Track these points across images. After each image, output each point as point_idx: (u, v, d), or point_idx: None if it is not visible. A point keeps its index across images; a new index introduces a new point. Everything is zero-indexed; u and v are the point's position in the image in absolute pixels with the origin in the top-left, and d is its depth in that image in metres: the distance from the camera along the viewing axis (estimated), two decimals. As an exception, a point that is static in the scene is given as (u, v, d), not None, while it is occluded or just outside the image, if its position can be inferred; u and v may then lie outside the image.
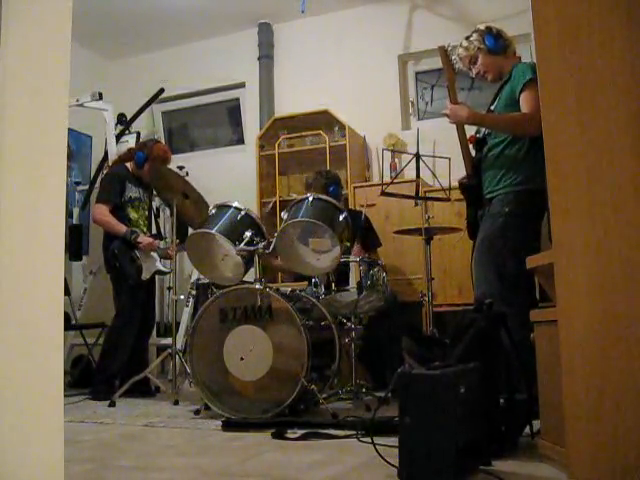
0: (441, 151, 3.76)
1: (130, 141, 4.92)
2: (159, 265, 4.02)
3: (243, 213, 3.14)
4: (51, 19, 1.23)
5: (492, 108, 2.98)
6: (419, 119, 5.23)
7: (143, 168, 3.95)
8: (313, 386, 2.81)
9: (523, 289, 2.67)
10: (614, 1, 1.62)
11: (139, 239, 3.82)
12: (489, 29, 2.98)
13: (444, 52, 3.05)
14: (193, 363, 2.96)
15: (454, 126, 3.02)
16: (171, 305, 3.64)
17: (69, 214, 5.11)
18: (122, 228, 3.82)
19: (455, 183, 3.16)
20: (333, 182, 4.02)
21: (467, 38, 3.00)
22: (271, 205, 5.03)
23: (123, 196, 3.94)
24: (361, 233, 3.87)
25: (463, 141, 3.04)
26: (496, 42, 2.94)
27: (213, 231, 3.07)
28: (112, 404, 3.42)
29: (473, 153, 3.06)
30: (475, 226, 2.94)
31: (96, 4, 4.90)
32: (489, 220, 2.82)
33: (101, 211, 3.86)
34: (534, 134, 2.67)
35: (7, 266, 1.11)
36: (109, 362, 3.82)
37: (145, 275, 3.88)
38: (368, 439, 1.99)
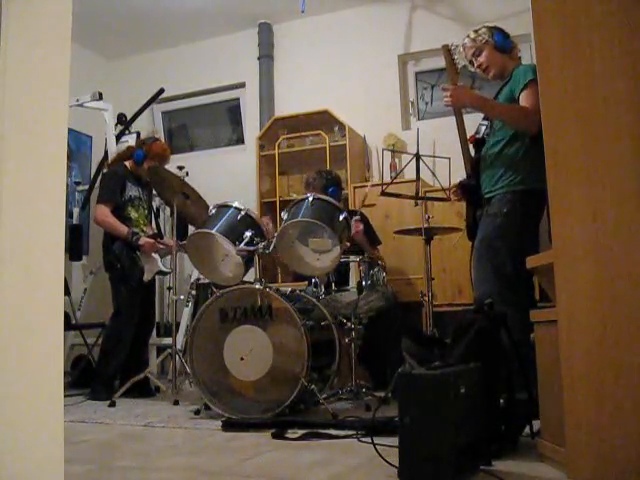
0: (441, 151, 3.77)
1: (130, 141, 4.91)
2: (160, 266, 4.02)
3: (243, 213, 3.14)
4: (51, 19, 1.23)
5: None
6: (419, 119, 5.23)
7: (142, 166, 3.94)
8: (313, 386, 2.81)
9: (522, 289, 2.67)
10: (614, 1, 1.62)
11: (140, 241, 3.82)
12: (498, 28, 2.98)
13: (448, 51, 3.04)
14: (193, 363, 2.96)
15: (454, 126, 3.01)
16: (171, 305, 3.64)
17: (69, 214, 5.11)
18: (124, 230, 3.82)
19: (455, 183, 3.15)
20: (333, 183, 4.04)
21: (476, 30, 3.00)
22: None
23: (123, 195, 3.94)
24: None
25: (463, 139, 3.03)
26: (504, 40, 2.94)
27: (213, 231, 3.07)
28: (112, 404, 3.42)
29: (473, 153, 3.06)
30: (474, 227, 2.94)
31: (96, 4, 4.90)
32: (487, 220, 2.82)
33: (103, 212, 3.85)
34: (531, 129, 2.67)
35: (7, 266, 1.11)
36: (108, 362, 3.82)
37: (147, 276, 3.87)
38: (368, 439, 1.99)
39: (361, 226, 3.86)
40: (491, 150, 2.90)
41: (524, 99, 2.74)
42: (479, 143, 3.00)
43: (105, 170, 4.38)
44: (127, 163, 4.05)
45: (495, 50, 2.95)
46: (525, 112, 2.70)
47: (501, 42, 2.93)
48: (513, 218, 2.74)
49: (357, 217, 3.80)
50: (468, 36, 3.01)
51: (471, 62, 3.04)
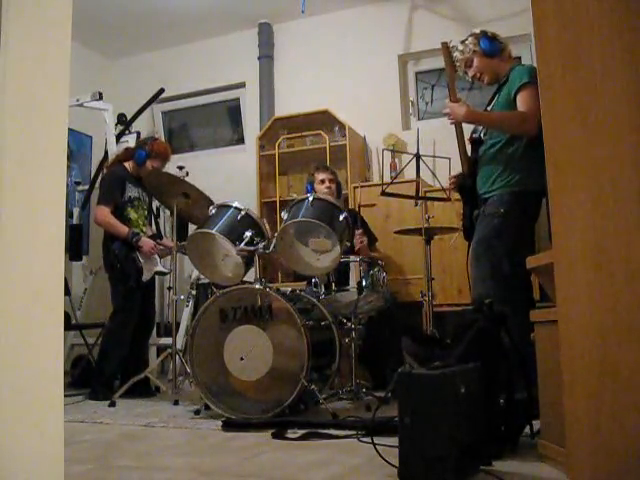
0: (441, 151, 3.76)
1: (130, 141, 4.92)
2: (159, 266, 4.02)
3: (243, 213, 3.14)
4: (51, 19, 1.23)
5: (489, 109, 2.99)
6: (419, 119, 5.23)
7: (145, 166, 3.95)
8: (313, 386, 2.81)
9: (520, 289, 2.68)
10: (614, 0, 1.62)
11: (140, 242, 3.82)
12: (484, 32, 3.00)
13: (446, 48, 3.05)
14: (193, 363, 2.96)
15: (453, 126, 3.02)
16: (171, 305, 3.64)
17: (69, 214, 5.11)
18: (124, 230, 3.82)
19: (453, 175, 3.15)
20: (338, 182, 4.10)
21: (463, 42, 3.02)
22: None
23: (123, 196, 3.94)
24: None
25: (461, 140, 3.05)
26: (491, 45, 2.95)
27: (213, 231, 3.07)
28: (112, 404, 3.42)
29: (470, 153, 3.06)
30: (470, 227, 2.94)
31: (96, 4, 4.90)
32: (485, 221, 2.82)
33: (103, 212, 3.86)
34: (530, 133, 2.68)
35: (7, 266, 1.11)
36: (107, 363, 3.82)
37: (146, 277, 3.88)
38: (368, 439, 1.99)
39: (365, 241, 3.89)
40: (488, 150, 2.90)
41: (520, 102, 2.75)
42: (476, 143, 3.00)
43: (104, 172, 4.38)
44: (127, 164, 4.05)
45: (484, 57, 2.96)
46: (522, 117, 2.72)
47: (488, 47, 2.94)
48: (510, 218, 2.74)
49: (359, 231, 3.83)
50: (457, 48, 3.03)
51: (465, 72, 3.06)
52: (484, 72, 2.98)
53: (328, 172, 4.07)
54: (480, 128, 2.99)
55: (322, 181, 4.06)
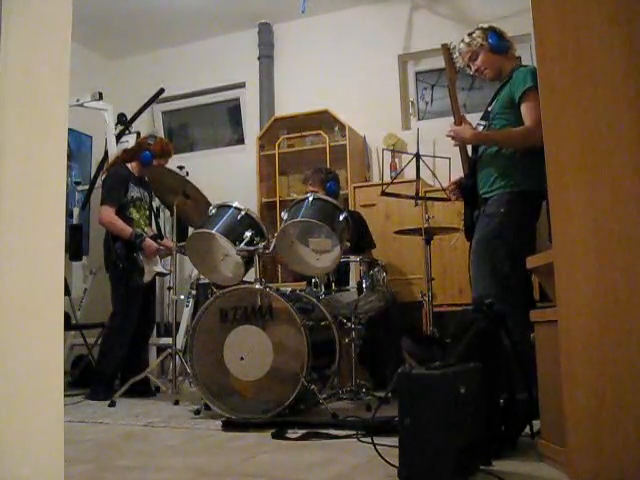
0: (441, 151, 3.76)
1: (130, 141, 4.92)
2: (160, 267, 4.02)
3: (243, 213, 3.14)
4: (51, 19, 1.23)
5: (489, 109, 2.98)
6: (419, 119, 5.22)
7: (151, 166, 3.95)
8: (313, 386, 2.81)
9: (520, 288, 2.67)
10: (613, 1, 1.62)
11: (143, 245, 3.82)
12: (492, 28, 2.98)
13: (447, 50, 3.05)
14: (193, 363, 2.96)
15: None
16: (171, 305, 3.64)
17: (69, 214, 5.11)
18: (128, 231, 3.82)
19: (453, 181, 3.16)
20: (332, 178, 4.06)
21: (470, 34, 3.00)
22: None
23: (126, 196, 3.94)
24: (356, 234, 3.89)
25: (463, 148, 3.05)
26: (499, 41, 2.94)
27: (213, 231, 3.07)
28: (112, 404, 3.42)
29: (470, 153, 3.06)
30: (471, 228, 2.94)
31: (96, 4, 4.89)
32: (485, 221, 2.82)
33: (108, 213, 3.86)
34: (538, 146, 2.69)
35: (7, 266, 1.11)
36: (107, 363, 3.83)
37: (147, 278, 3.88)
38: (368, 439, 1.99)
39: None
40: (488, 150, 2.90)
41: (525, 113, 2.75)
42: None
43: (104, 174, 4.38)
44: (129, 165, 4.05)
45: (491, 52, 2.95)
46: (527, 134, 2.70)
47: (496, 43, 2.94)
48: (510, 218, 2.74)
49: None
50: (463, 41, 3.01)
51: (468, 66, 3.05)
52: (488, 68, 2.97)
53: (308, 184, 4.05)
54: (480, 129, 2.99)
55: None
